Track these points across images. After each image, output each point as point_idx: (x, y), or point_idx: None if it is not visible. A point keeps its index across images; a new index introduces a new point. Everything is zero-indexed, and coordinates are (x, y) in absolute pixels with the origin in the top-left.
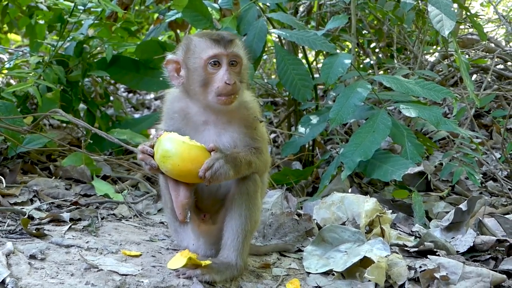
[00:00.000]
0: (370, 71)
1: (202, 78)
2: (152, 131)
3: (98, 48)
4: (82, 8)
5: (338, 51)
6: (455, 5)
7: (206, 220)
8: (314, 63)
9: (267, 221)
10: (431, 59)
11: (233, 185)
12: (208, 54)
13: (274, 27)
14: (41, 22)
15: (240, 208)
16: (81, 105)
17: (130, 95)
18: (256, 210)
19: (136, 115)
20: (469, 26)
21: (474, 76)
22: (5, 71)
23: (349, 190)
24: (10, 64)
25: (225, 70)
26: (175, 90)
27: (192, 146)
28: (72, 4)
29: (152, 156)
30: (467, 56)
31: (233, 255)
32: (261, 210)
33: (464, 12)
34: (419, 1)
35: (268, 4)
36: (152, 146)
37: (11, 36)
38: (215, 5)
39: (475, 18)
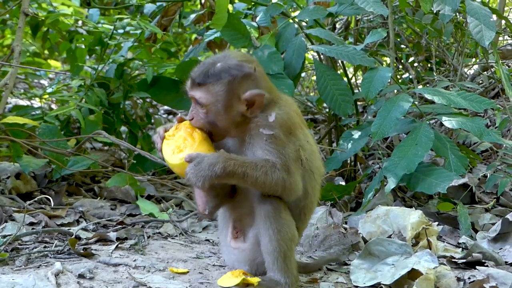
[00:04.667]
0: (410, 85)
1: None
2: None
3: (137, 71)
4: (122, 30)
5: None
6: (494, 16)
7: (238, 237)
8: (353, 78)
9: (313, 233)
10: (470, 71)
11: (254, 204)
12: None
13: (312, 44)
14: (82, 46)
15: (267, 231)
16: (123, 128)
17: (170, 116)
18: (287, 228)
19: None
20: (509, 36)
21: None
22: (46, 96)
23: (393, 204)
24: (52, 89)
25: None
26: None
27: None
28: (112, 27)
29: None
30: (507, 67)
31: (279, 275)
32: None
33: (503, 23)
34: (457, 14)
35: (303, 22)
36: None
37: (51, 62)
38: (254, 24)
39: None
